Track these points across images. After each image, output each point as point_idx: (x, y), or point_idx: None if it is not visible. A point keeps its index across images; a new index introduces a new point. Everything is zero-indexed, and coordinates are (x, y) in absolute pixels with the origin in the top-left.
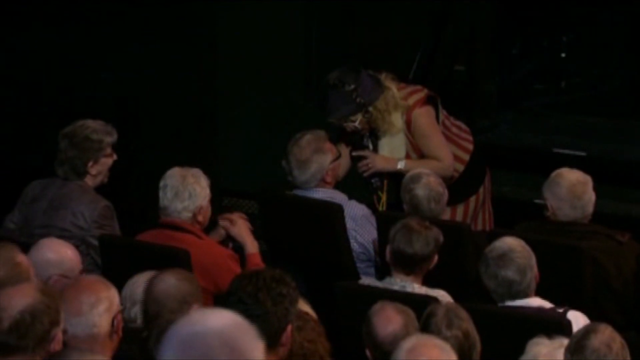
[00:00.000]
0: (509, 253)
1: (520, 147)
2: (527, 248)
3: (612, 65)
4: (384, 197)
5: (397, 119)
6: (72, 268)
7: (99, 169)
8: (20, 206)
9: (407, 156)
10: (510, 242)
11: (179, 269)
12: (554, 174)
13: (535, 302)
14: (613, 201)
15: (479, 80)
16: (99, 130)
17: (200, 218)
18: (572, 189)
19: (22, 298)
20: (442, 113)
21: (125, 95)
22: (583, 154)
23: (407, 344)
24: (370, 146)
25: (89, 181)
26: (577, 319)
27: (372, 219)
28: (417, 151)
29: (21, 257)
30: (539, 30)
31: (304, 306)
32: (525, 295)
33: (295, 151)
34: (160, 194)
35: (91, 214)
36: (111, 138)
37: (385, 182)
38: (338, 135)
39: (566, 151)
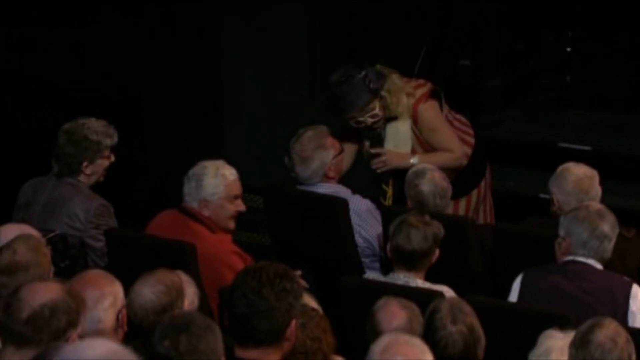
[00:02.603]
0: (605, 210)
1: (525, 142)
2: None
3: (617, 60)
4: (389, 192)
5: (404, 98)
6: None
7: (94, 169)
8: (16, 211)
9: (413, 150)
10: (599, 204)
11: (161, 274)
12: (560, 168)
13: (599, 266)
14: (618, 196)
15: (484, 75)
16: (99, 132)
17: (205, 212)
18: (578, 183)
19: (45, 293)
20: (445, 107)
21: (131, 92)
22: (588, 148)
23: (379, 345)
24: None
25: (83, 179)
26: (639, 295)
27: (377, 214)
28: (422, 145)
29: (46, 250)
30: (544, 25)
31: (311, 302)
32: (605, 258)
33: (297, 148)
34: None
35: (86, 215)
36: (111, 140)
37: (391, 179)
38: (341, 131)
39: (571, 146)
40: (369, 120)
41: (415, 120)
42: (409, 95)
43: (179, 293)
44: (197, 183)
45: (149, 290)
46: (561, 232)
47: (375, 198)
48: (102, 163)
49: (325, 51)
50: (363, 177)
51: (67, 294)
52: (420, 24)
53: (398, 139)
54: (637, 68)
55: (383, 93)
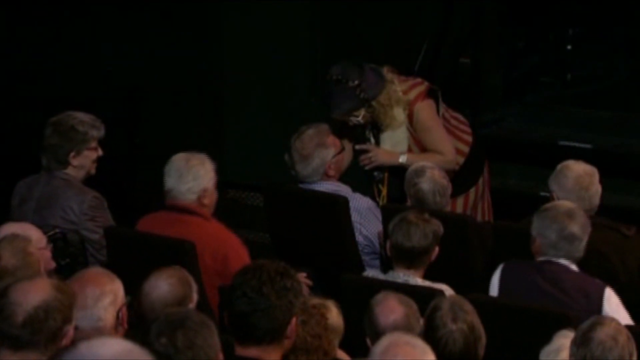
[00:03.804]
0: (575, 210)
1: (525, 140)
2: None
3: (617, 58)
4: (384, 191)
5: (399, 113)
6: (40, 239)
7: (81, 161)
8: (12, 211)
9: (409, 150)
10: (569, 203)
11: (171, 270)
12: (560, 165)
13: (574, 267)
14: (618, 194)
15: (484, 73)
16: (86, 123)
17: (205, 201)
18: (578, 180)
19: (36, 294)
20: (442, 106)
21: (132, 88)
22: (588, 146)
23: (380, 346)
24: (372, 139)
25: (73, 172)
26: (614, 295)
27: (377, 212)
28: (418, 145)
29: (32, 249)
30: (544, 23)
31: (333, 308)
32: (578, 257)
33: (297, 146)
34: (165, 178)
35: (80, 207)
36: (97, 132)
37: (386, 175)
38: (340, 129)
39: (572, 144)
40: (351, 123)
41: (410, 118)
42: (405, 95)
43: (191, 286)
44: (194, 175)
45: (165, 282)
46: (533, 231)
47: (371, 197)
48: (89, 155)
49: (326, 49)
50: (360, 176)
51: (57, 290)
52: (420, 22)
53: (394, 139)
54: (637, 66)
55: (373, 104)
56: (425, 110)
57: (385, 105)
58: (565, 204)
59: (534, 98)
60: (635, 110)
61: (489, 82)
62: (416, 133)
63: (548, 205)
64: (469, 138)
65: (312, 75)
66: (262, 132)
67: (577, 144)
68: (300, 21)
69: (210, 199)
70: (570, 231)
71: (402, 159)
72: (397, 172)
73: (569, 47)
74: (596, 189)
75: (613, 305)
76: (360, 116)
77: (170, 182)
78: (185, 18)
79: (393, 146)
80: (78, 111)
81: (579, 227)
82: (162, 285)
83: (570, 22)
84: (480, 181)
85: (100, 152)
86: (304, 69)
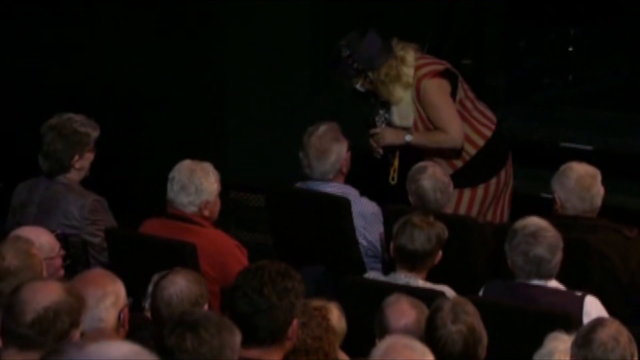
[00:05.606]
0: (541, 231)
1: (527, 140)
2: (555, 230)
3: (619, 58)
4: (396, 163)
5: (397, 90)
6: (52, 249)
7: (82, 164)
8: (11, 213)
9: (415, 125)
10: (539, 222)
11: (186, 270)
12: (563, 167)
13: (552, 283)
14: (620, 195)
15: (486, 73)
16: (86, 124)
17: (206, 212)
18: (580, 181)
19: (47, 294)
20: (466, 93)
21: (133, 89)
22: (590, 147)
23: (379, 349)
24: (383, 115)
25: (73, 176)
26: (595, 304)
27: (382, 217)
28: (423, 121)
29: (35, 250)
30: (546, 24)
31: (335, 310)
32: (550, 276)
33: (313, 142)
34: (168, 185)
35: (81, 211)
36: (97, 133)
37: (397, 153)
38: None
39: (573, 145)
40: (352, 87)
41: (417, 94)
42: (417, 70)
43: (206, 286)
44: (196, 188)
45: (183, 278)
46: (505, 252)
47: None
48: (89, 157)
49: (328, 48)
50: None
51: (68, 294)
52: (422, 22)
53: (400, 112)
54: (639, 66)
55: (369, 74)
56: (433, 87)
57: (382, 80)
58: (530, 222)
59: (535, 99)
60: (637, 110)
61: (490, 83)
62: (423, 109)
63: (515, 225)
64: (487, 132)
65: (313, 75)
66: (263, 133)
67: (579, 145)
68: (301, 21)
69: (212, 210)
70: (535, 254)
71: (408, 138)
72: (408, 153)
73: (570, 47)
74: (598, 190)
75: (592, 316)
76: (358, 84)
77: (172, 192)
78: (186, 17)
79: (400, 119)
80: (70, 112)
81: (545, 248)
82: (180, 281)
83: (572, 22)
84: (493, 181)
85: (94, 152)
86: (305, 70)
